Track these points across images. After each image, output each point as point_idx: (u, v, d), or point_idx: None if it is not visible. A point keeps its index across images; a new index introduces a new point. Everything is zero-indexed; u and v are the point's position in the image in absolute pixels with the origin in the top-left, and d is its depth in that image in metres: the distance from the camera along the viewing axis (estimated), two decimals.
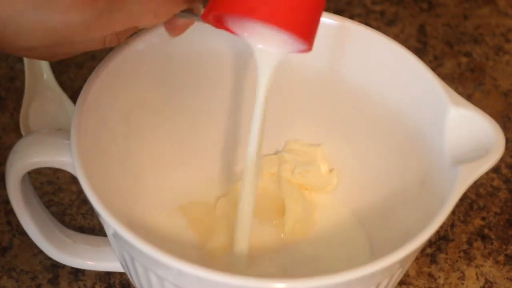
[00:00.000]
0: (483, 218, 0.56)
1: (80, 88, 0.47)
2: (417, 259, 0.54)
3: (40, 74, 0.62)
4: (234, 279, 0.40)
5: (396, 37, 0.66)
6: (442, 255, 0.54)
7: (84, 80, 0.47)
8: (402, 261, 0.42)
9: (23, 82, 0.62)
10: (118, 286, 0.52)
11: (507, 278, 0.54)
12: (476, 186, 0.58)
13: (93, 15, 0.39)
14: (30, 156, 0.45)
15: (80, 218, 0.55)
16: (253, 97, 0.54)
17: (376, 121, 0.52)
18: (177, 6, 0.42)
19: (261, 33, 0.44)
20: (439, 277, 0.53)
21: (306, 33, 0.43)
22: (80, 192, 0.56)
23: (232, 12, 0.42)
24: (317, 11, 0.43)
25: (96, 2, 0.39)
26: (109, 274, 0.52)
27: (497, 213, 0.57)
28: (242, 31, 0.44)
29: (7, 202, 0.52)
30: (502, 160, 0.58)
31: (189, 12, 0.44)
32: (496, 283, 0.53)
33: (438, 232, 0.55)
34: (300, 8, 0.42)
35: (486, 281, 0.53)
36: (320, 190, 0.55)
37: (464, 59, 0.66)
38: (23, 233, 0.51)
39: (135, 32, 0.48)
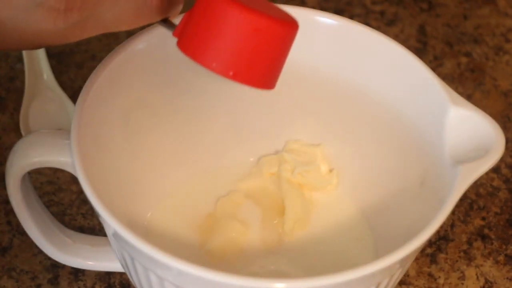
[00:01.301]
0: (483, 218, 0.56)
1: (80, 88, 0.47)
2: (417, 259, 0.54)
3: (40, 74, 0.62)
4: (234, 279, 0.40)
5: (396, 37, 0.66)
6: (442, 255, 0.54)
7: (84, 80, 0.47)
8: (402, 261, 0.42)
9: (23, 82, 0.62)
10: (118, 286, 0.52)
11: (507, 278, 0.54)
12: (476, 186, 0.58)
13: (67, 26, 0.40)
14: (30, 156, 0.45)
15: (80, 218, 0.55)
16: (253, 97, 0.54)
17: (376, 121, 0.52)
18: (151, 18, 0.42)
19: None
20: (439, 277, 0.53)
21: (259, 82, 0.43)
22: (80, 192, 0.56)
23: (193, 57, 0.42)
24: (274, 59, 0.43)
25: (69, 14, 0.40)
26: (109, 274, 0.52)
27: (497, 213, 0.57)
28: None
29: (7, 202, 0.52)
30: (502, 160, 0.58)
31: (166, 22, 0.44)
32: (496, 283, 0.53)
33: (438, 232, 0.55)
34: (253, 59, 0.42)
35: (486, 281, 0.53)
36: (320, 190, 0.55)
37: (464, 59, 0.66)
38: (23, 233, 0.51)
39: None
